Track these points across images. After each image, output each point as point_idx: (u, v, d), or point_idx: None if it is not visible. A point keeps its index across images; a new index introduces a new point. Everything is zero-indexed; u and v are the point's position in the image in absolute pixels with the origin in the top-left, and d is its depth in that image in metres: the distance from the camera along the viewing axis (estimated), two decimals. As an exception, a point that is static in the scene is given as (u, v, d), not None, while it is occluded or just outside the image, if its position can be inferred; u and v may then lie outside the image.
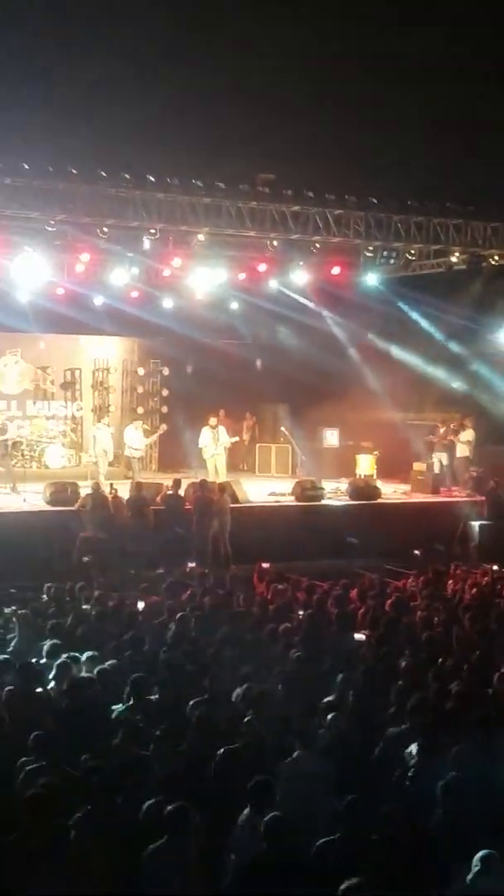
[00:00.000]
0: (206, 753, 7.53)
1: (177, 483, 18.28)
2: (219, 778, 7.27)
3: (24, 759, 7.30)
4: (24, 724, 8.00)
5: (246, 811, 6.64)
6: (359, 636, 11.49)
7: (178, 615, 11.68)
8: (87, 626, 11.54)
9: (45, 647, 10.40)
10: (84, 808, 6.49)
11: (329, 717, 8.37)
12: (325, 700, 8.83)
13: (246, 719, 8.24)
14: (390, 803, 6.76)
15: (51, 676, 9.57)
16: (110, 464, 21.51)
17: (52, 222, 18.17)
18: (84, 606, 12.73)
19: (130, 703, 8.77)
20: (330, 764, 7.54)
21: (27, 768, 7.13)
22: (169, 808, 6.25)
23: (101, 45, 22.72)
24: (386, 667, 10.03)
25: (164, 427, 22.14)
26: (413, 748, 7.77)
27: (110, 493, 17.93)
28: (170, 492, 18.21)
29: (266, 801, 6.61)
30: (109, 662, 9.74)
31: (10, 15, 21.74)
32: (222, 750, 7.43)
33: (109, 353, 24.94)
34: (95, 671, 9.46)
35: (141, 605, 12.75)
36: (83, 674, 9.51)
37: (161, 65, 22.45)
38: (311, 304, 23.04)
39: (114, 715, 8.61)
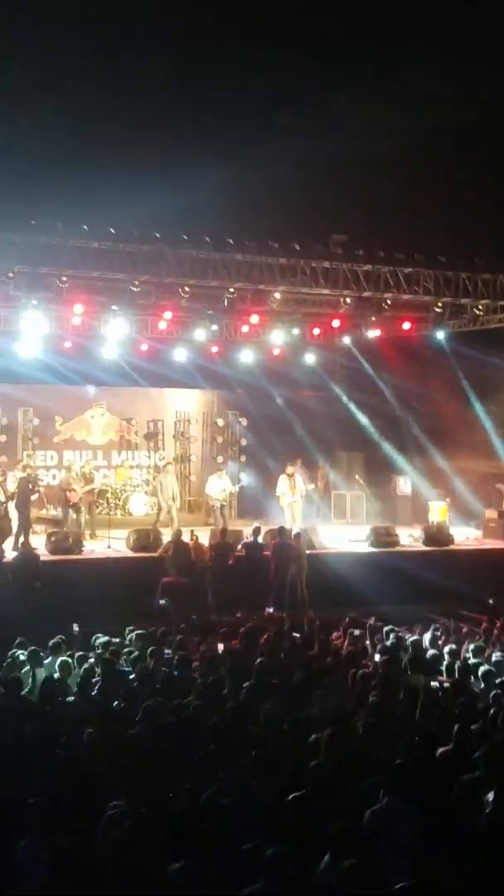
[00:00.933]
0: (288, 794, 7.58)
1: (256, 530, 18.94)
2: (300, 822, 7.28)
3: (111, 802, 7.43)
4: (107, 765, 8.30)
5: (327, 857, 6.67)
6: (434, 683, 11.83)
7: (258, 660, 11.96)
8: (169, 670, 12.02)
9: (127, 691, 10.70)
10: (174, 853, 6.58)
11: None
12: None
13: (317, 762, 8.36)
14: (470, 850, 6.76)
15: (137, 719, 9.76)
16: (179, 509, 22.08)
17: (137, 283, 19.22)
18: (166, 651, 13.18)
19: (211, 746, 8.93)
20: (415, 811, 7.51)
21: (110, 812, 7.31)
22: (268, 852, 6.32)
23: (187, 111, 23.81)
24: (461, 711, 10.08)
25: (246, 480, 22.47)
26: (490, 795, 7.64)
27: (191, 539, 18.68)
28: (249, 539, 18.88)
29: (348, 848, 6.67)
30: (193, 705, 10.04)
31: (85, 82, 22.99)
32: (303, 793, 7.48)
33: (190, 405, 25.92)
34: (181, 715, 9.76)
35: (220, 647, 13.33)
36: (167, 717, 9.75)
37: (241, 133, 23.42)
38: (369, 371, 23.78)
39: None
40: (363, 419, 25.02)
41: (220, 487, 21.63)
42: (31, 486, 19.51)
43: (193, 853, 6.52)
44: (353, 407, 25.23)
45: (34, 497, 19.70)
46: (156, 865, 6.43)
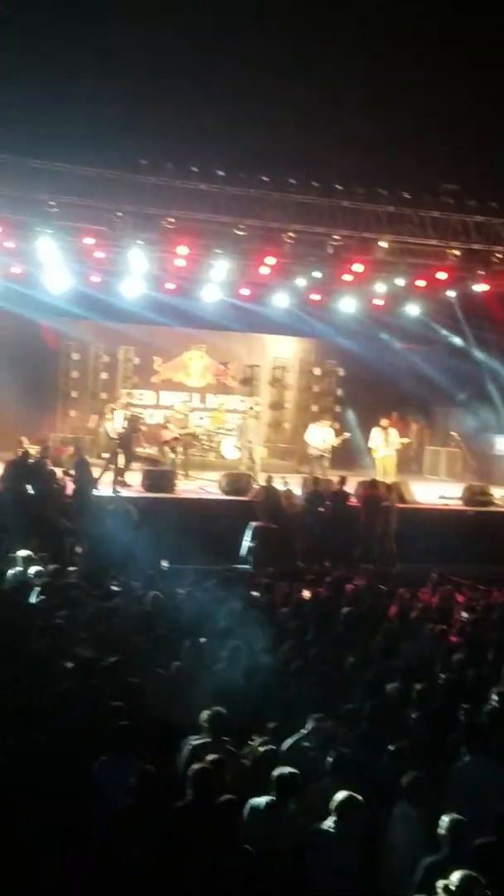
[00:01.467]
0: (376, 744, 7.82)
1: (342, 480, 18.91)
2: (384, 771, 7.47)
3: (192, 735, 7.76)
4: (191, 699, 8.47)
5: (400, 804, 6.93)
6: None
7: (344, 610, 12.11)
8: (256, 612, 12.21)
9: (217, 629, 10.89)
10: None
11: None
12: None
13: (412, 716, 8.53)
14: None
15: (225, 657, 9.96)
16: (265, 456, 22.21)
17: (242, 227, 19.16)
18: (253, 593, 13.46)
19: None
20: (497, 770, 7.61)
21: (193, 744, 7.63)
22: (340, 796, 6.56)
23: (300, 53, 23.44)
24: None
25: (348, 434, 22.37)
26: None
27: (282, 485, 18.79)
28: (336, 488, 18.89)
29: (420, 797, 6.94)
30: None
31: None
32: (392, 747, 7.67)
33: (288, 352, 25.91)
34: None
35: (306, 594, 13.46)
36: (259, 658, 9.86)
37: (351, 77, 23.00)
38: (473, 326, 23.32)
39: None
40: (463, 376, 24.62)
41: (321, 437, 21.52)
42: (132, 425, 19.89)
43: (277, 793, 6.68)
44: (454, 363, 24.85)
45: (136, 435, 20.11)
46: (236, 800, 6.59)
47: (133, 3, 23.02)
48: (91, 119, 20.26)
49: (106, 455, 20.03)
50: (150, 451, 21.75)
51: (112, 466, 19.29)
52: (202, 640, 10.25)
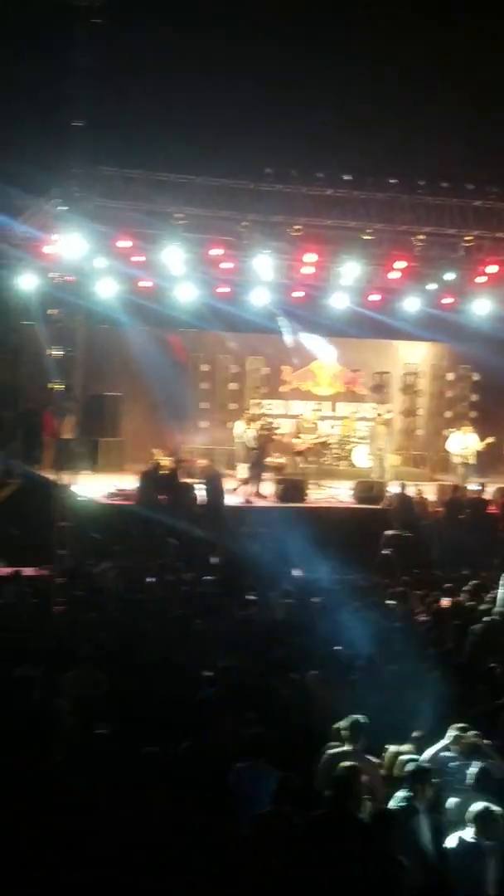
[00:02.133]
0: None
1: (482, 487, 18.55)
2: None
3: (330, 743, 7.74)
4: (330, 710, 8.39)
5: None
6: None
7: (483, 619, 11.90)
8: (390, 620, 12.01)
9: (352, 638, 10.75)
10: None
11: None
12: None
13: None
14: None
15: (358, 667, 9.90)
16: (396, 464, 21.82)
17: (370, 231, 18.97)
18: (389, 602, 13.31)
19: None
20: None
21: (331, 752, 7.59)
22: (477, 807, 6.51)
23: (431, 54, 23.13)
24: None
25: (491, 439, 21.85)
26: None
27: (416, 493, 18.50)
28: (474, 496, 18.53)
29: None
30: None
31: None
32: None
33: (420, 357, 25.52)
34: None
35: (445, 602, 13.18)
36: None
37: (484, 76, 22.53)
38: None
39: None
40: None
41: (462, 444, 21.09)
42: (266, 434, 19.96)
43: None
44: None
45: (269, 445, 20.19)
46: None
47: (247, 16, 23.14)
48: (214, 130, 20.45)
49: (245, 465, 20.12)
50: (281, 460, 21.72)
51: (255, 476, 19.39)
52: (337, 648, 10.14)
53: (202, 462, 21.78)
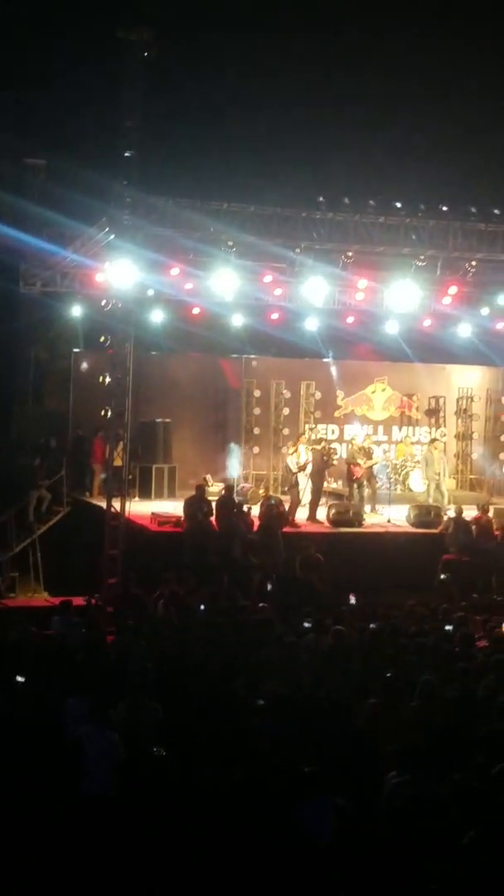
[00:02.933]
0: None
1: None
2: None
3: (392, 772, 7.51)
4: (390, 737, 8.27)
5: None
6: None
7: None
8: (449, 645, 11.85)
9: (406, 662, 10.68)
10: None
11: None
12: None
13: None
14: None
15: (417, 693, 9.69)
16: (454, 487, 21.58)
17: (423, 257, 18.88)
18: (447, 627, 13.07)
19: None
20: None
21: (394, 781, 7.37)
22: None
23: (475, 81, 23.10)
24: None
25: None
26: None
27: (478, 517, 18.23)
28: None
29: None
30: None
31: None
32: None
33: (474, 381, 25.26)
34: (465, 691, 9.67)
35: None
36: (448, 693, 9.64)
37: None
38: None
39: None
40: None
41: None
42: (325, 459, 19.86)
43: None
44: None
45: (328, 469, 20.04)
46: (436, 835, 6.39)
47: (301, 45, 23.30)
48: (265, 158, 20.57)
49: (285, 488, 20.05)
50: (335, 485, 21.58)
51: (296, 499, 19.28)
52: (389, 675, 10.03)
53: (253, 487, 21.75)
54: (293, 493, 19.41)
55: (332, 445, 22.27)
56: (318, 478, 19.65)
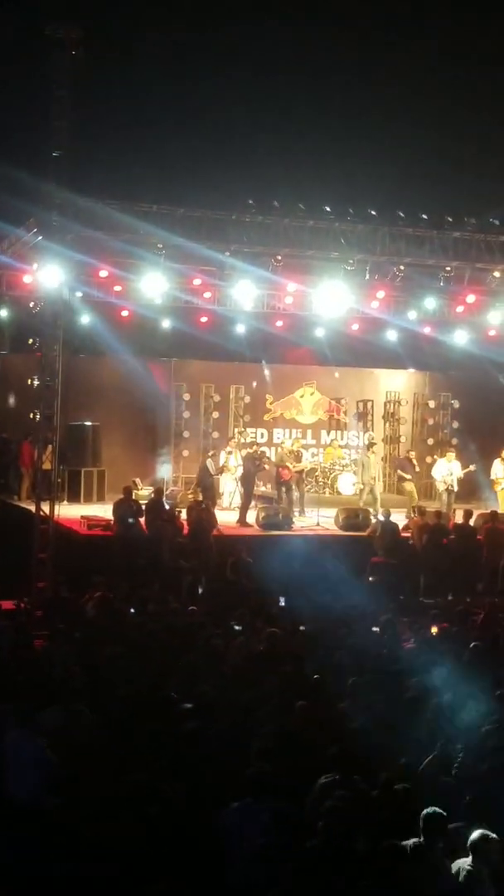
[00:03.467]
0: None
1: (468, 514, 18.47)
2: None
3: (324, 775, 7.50)
4: (321, 739, 8.28)
5: None
6: None
7: (472, 644, 11.79)
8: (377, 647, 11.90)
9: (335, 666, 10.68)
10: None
11: None
12: None
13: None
14: None
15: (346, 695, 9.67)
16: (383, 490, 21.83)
17: (352, 261, 19.05)
18: (374, 629, 13.16)
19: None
20: None
21: (323, 781, 7.37)
22: (475, 835, 6.34)
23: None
24: None
25: (473, 467, 21.72)
26: None
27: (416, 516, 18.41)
28: (460, 521, 18.43)
29: None
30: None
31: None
32: None
33: (401, 385, 25.57)
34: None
35: (434, 630, 13.05)
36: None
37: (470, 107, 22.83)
38: None
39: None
40: None
41: (446, 471, 21.01)
42: (257, 463, 19.88)
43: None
44: None
45: (258, 473, 20.18)
46: (369, 838, 6.39)
47: (232, 45, 23.34)
48: (196, 161, 20.57)
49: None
50: (263, 489, 21.65)
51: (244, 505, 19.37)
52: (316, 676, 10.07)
53: (185, 491, 21.69)
54: (208, 496, 19.43)
55: (263, 449, 22.32)
56: (249, 481, 19.69)
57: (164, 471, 22.89)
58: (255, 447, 21.08)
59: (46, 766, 7.82)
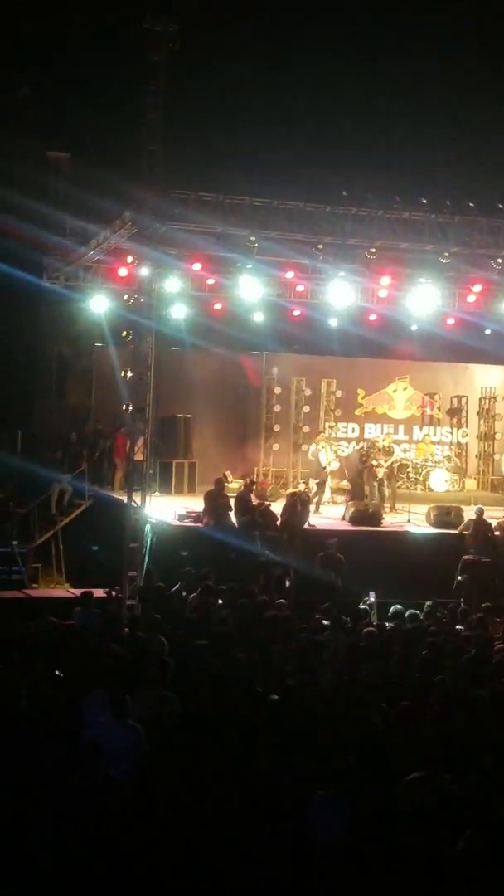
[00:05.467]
0: None
1: None
2: None
3: (414, 773, 7.39)
4: (411, 738, 8.24)
5: None
6: None
7: None
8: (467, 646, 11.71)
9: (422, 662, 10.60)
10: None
11: None
12: None
13: None
14: None
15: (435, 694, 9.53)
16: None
17: (447, 254, 18.72)
18: (458, 627, 12.95)
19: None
20: None
21: (408, 778, 7.30)
22: None
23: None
24: None
25: None
26: None
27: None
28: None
29: None
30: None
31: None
32: None
33: (497, 381, 25.10)
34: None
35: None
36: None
37: None
38: None
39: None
40: None
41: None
42: (364, 460, 19.92)
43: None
44: None
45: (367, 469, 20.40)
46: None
47: (328, 43, 23.21)
48: (289, 154, 20.47)
49: (315, 482, 20.00)
50: (344, 483, 21.49)
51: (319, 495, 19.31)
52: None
53: (276, 485, 21.70)
54: (321, 489, 19.40)
55: (346, 446, 22.18)
56: (358, 477, 19.78)
57: (255, 462, 22.92)
58: (363, 444, 20.94)
59: (141, 752, 7.91)
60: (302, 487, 18.82)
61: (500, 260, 18.89)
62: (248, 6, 22.24)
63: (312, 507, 18.92)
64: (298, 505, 17.50)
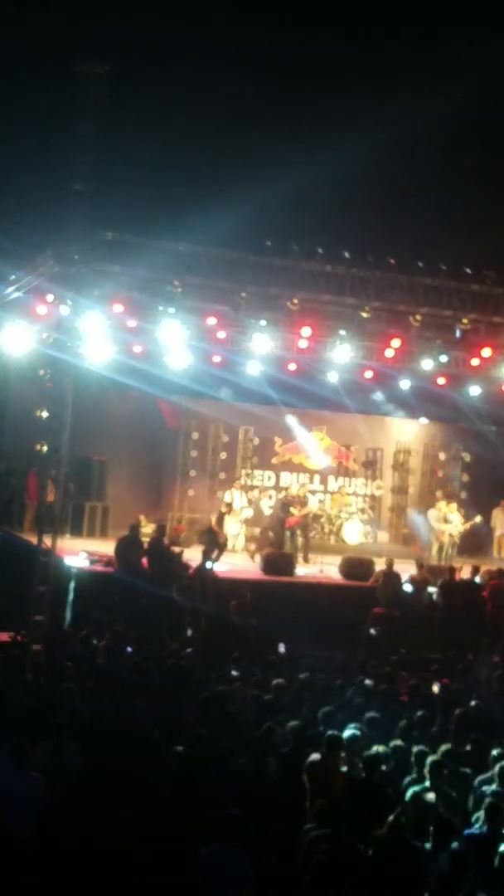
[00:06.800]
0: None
1: (474, 569, 18.27)
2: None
3: (308, 825, 7.44)
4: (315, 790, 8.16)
5: None
6: None
7: (473, 702, 11.61)
8: (369, 700, 11.64)
9: (324, 716, 10.46)
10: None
11: None
12: None
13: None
14: None
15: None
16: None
17: (368, 309, 18.96)
18: (367, 682, 12.84)
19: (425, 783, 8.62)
20: None
21: (312, 835, 7.25)
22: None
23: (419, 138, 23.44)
24: None
25: (479, 518, 21.61)
26: None
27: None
28: (468, 577, 18.21)
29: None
30: (394, 743, 9.66)
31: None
32: None
33: (412, 435, 25.41)
34: (391, 747, 9.53)
35: (436, 687, 12.77)
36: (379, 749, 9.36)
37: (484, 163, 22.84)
38: None
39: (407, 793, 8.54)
40: None
41: (439, 518, 20.78)
42: (287, 508, 19.85)
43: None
44: None
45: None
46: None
47: (253, 86, 23.40)
48: (216, 201, 20.52)
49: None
50: (270, 533, 21.44)
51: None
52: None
53: (189, 531, 21.50)
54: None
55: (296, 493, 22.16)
56: (280, 527, 19.79)
57: (169, 507, 22.70)
58: (284, 493, 20.88)
59: (40, 804, 7.65)
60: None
61: (418, 317, 19.20)
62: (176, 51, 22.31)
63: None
64: (215, 550, 17.41)
